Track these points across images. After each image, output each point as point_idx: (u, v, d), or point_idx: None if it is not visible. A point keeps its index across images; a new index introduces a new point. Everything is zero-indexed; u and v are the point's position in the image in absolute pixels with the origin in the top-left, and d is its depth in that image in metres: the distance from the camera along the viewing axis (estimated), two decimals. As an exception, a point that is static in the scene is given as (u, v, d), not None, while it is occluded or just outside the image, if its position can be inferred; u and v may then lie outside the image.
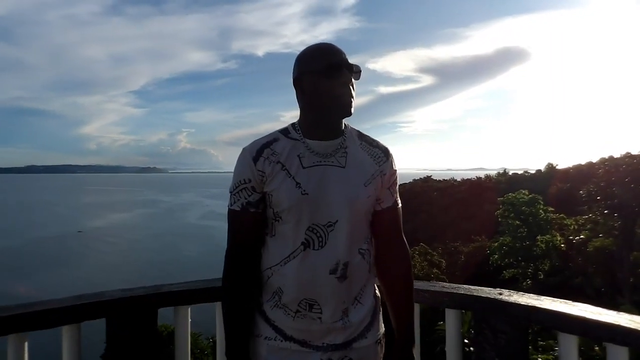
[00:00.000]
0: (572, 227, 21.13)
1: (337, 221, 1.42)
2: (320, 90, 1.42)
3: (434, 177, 72.44)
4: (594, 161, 53.75)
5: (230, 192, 1.50)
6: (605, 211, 20.69)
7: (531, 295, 1.79)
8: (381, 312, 1.58)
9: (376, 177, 1.49)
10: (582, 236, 21.43)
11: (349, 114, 1.44)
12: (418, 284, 1.98)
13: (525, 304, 1.68)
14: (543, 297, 1.75)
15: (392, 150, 1.58)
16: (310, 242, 1.42)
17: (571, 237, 21.36)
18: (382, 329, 1.57)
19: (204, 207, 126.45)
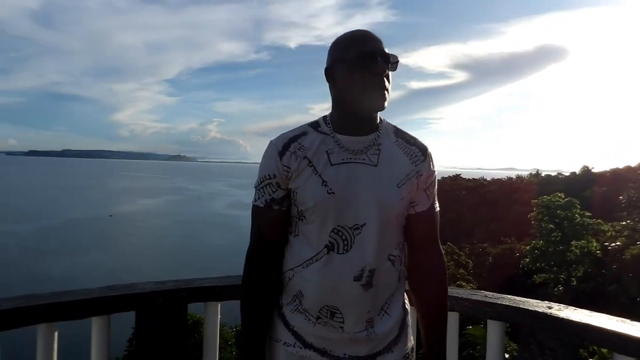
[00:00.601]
0: (610, 233, 20.34)
1: (364, 224, 1.31)
2: (351, 81, 1.30)
3: (463, 176, 71.26)
4: (633, 165, 51.99)
5: (255, 187, 1.40)
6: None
7: (584, 311, 1.66)
8: (410, 325, 1.47)
9: (411, 178, 1.36)
10: (618, 243, 20.63)
11: (382, 107, 1.31)
12: (458, 292, 1.88)
13: (578, 320, 1.55)
14: (597, 314, 1.61)
15: (430, 149, 1.44)
16: (334, 245, 1.32)
17: (607, 244, 20.59)
18: (411, 342, 1.46)
19: (231, 196, 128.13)
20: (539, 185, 48.84)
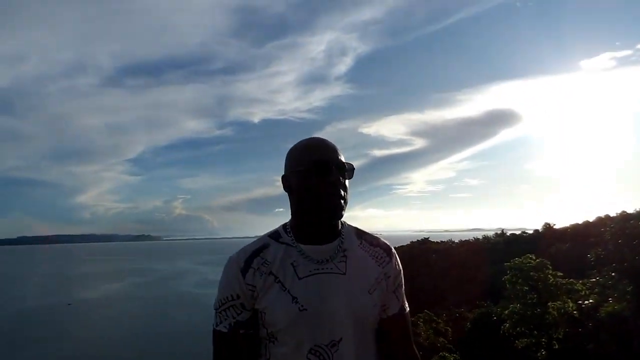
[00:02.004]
0: (583, 291, 20.61)
1: (341, 339, 1.21)
2: (307, 191, 1.25)
3: (431, 239, 71.89)
4: (591, 220, 54.10)
5: (215, 309, 1.27)
6: (613, 274, 20.31)
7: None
8: None
9: (380, 282, 1.30)
10: (591, 300, 20.84)
11: (340, 216, 1.26)
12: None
13: None
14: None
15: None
16: None
17: (580, 302, 20.76)
18: None
19: (198, 274, 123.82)
20: (505, 244, 49.73)
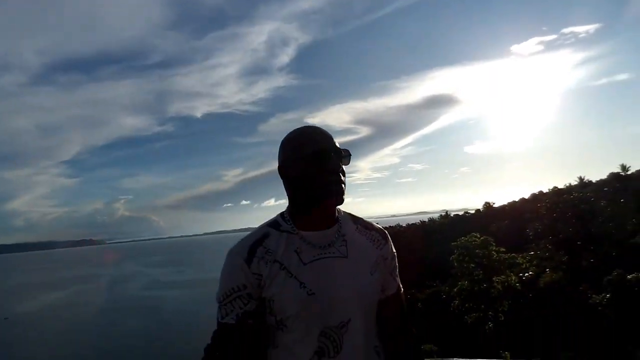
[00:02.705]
0: (524, 264, 21.87)
1: (349, 320, 1.24)
2: (308, 178, 1.27)
3: (379, 225, 73.43)
4: (526, 197, 57.43)
5: (219, 302, 1.26)
6: (549, 246, 21.67)
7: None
8: None
9: (379, 263, 1.35)
10: (531, 272, 22.14)
11: (341, 201, 1.30)
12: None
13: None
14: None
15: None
16: (325, 350, 1.22)
17: (521, 275, 22.00)
18: None
19: (147, 276, 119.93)
20: (450, 225, 51.73)
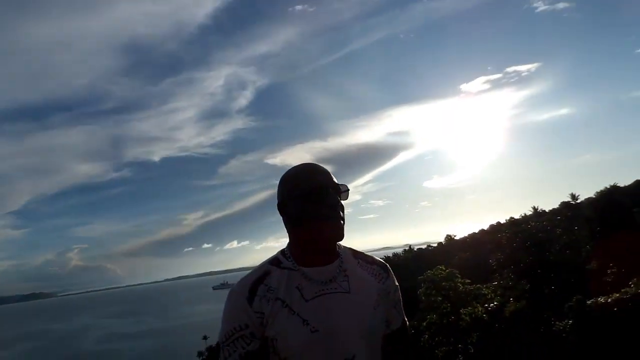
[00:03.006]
0: (489, 295, 22.24)
1: (354, 356, 1.23)
2: (307, 214, 1.28)
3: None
4: (485, 228, 59.10)
5: (221, 342, 1.24)
6: (512, 275, 22.22)
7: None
8: None
9: (382, 297, 1.36)
10: (496, 302, 22.50)
11: (342, 237, 1.31)
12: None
13: None
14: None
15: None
16: None
17: (487, 305, 22.33)
18: None
19: (102, 328, 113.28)
20: (414, 259, 52.21)
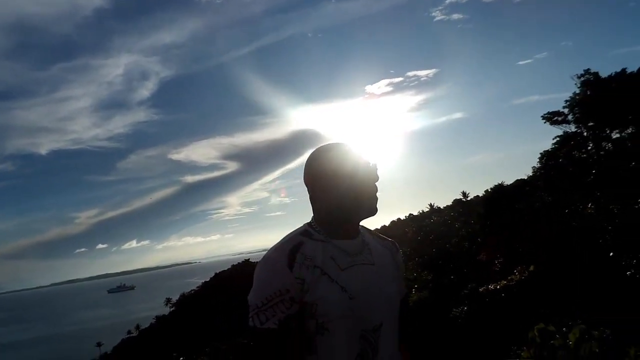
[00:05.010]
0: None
1: (381, 324, 1.32)
2: (350, 190, 1.35)
3: (251, 260, 72.86)
4: (387, 224, 62.60)
5: (257, 307, 1.25)
6: (417, 267, 23.80)
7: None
8: None
9: (397, 269, 1.48)
10: (401, 293, 23.98)
11: (376, 211, 1.40)
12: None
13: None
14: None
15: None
16: (365, 353, 1.28)
17: (393, 296, 23.73)
18: None
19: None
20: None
